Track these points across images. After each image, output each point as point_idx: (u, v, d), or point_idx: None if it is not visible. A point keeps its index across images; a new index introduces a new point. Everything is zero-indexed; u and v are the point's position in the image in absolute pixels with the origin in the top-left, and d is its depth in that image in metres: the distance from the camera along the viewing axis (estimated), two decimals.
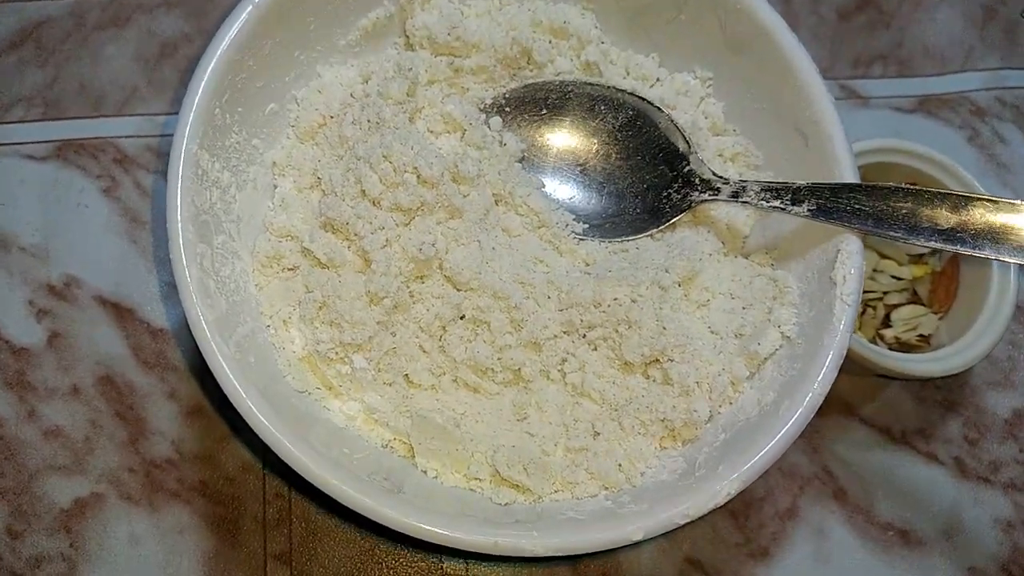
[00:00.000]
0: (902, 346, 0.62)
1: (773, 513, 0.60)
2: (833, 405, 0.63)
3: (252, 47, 0.50)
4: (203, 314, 0.44)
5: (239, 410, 0.44)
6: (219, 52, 0.48)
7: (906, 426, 0.63)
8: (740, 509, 0.60)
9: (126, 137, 0.65)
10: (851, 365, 0.60)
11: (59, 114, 0.65)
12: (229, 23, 0.49)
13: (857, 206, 0.48)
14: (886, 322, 0.62)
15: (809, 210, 0.49)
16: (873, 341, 0.62)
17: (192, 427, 0.60)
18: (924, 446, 0.62)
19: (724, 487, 0.44)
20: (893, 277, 0.63)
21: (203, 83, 0.47)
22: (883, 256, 0.63)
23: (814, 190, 0.49)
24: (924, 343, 0.62)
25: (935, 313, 0.62)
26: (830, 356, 0.46)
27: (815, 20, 0.74)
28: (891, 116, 0.71)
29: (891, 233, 0.47)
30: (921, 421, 0.63)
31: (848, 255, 0.48)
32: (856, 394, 0.63)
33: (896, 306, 0.62)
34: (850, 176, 0.50)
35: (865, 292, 0.62)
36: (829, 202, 0.49)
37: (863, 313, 0.62)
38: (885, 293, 0.63)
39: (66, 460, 0.59)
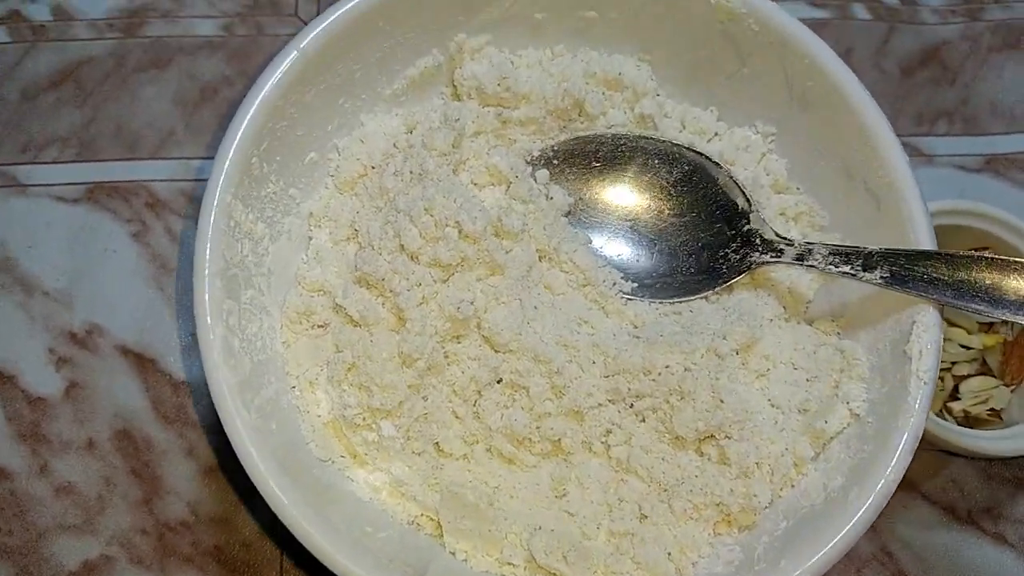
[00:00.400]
0: (971, 420, 0.57)
1: None
2: None
3: (295, 94, 0.48)
4: (225, 378, 0.41)
5: (255, 483, 0.40)
6: (260, 98, 0.46)
7: (972, 505, 0.59)
8: None
9: (159, 181, 0.63)
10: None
11: (93, 155, 0.64)
12: (272, 68, 0.46)
13: (935, 275, 0.44)
14: (954, 394, 0.58)
15: (882, 277, 0.45)
16: (940, 414, 0.57)
17: (209, 487, 0.57)
18: (992, 527, 0.58)
19: None
20: (962, 346, 0.59)
21: (241, 130, 0.45)
22: (951, 324, 0.59)
23: (888, 256, 0.45)
24: (995, 417, 0.58)
25: (1007, 385, 0.58)
26: (904, 439, 0.42)
27: (877, 75, 0.71)
28: (956, 175, 0.68)
29: (972, 306, 0.44)
30: (989, 500, 0.59)
31: (925, 328, 0.44)
32: (919, 469, 0.59)
33: (965, 377, 0.58)
34: (927, 242, 0.46)
35: None
36: (904, 270, 0.45)
37: None
38: (953, 363, 0.59)
39: (76, 519, 0.56)
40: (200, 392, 0.58)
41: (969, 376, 0.59)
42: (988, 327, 0.60)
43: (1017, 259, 0.44)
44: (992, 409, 0.58)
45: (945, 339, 0.59)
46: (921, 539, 0.57)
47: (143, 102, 0.65)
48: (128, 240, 0.62)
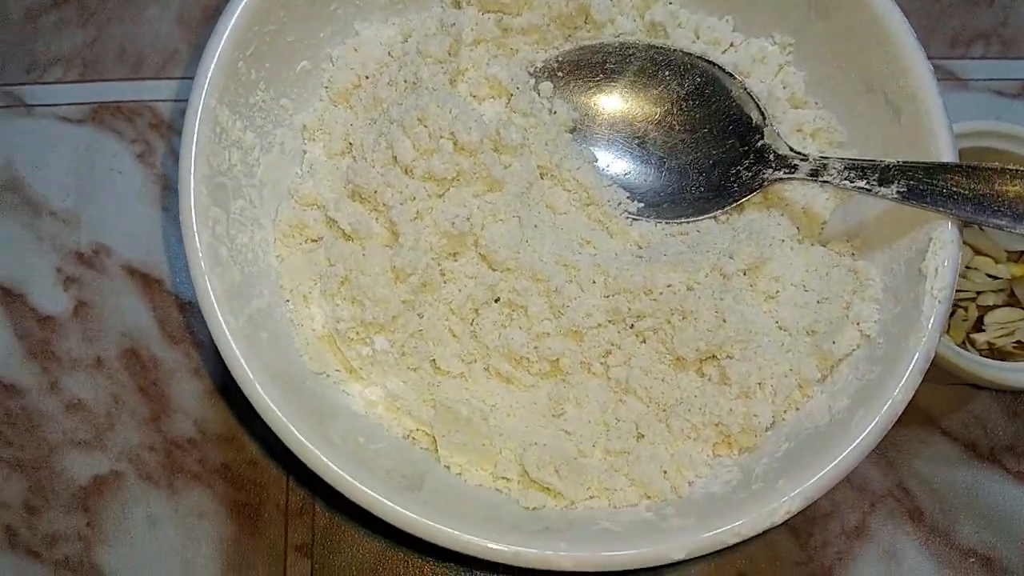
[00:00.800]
0: (995, 353, 0.55)
1: (839, 531, 0.55)
2: (913, 415, 0.57)
3: None
4: (211, 284, 0.41)
5: (243, 390, 0.40)
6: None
7: (996, 442, 0.57)
8: (802, 525, 0.55)
9: (163, 101, 0.62)
10: (936, 372, 0.53)
11: (97, 75, 0.63)
12: None
13: (955, 189, 0.42)
14: (978, 325, 0.56)
15: (899, 192, 0.43)
16: (962, 346, 0.55)
17: (216, 406, 0.57)
18: (1015, 465, 0.57)
19: (783, 504, 0.39)
20: (989, 276, 0.56)
21: (227, 32, 0.43)
22: (978, 252, 0.56)
23: (905, 169, 0.43)
24: (1021, 350, 0.55)
25: None
26: (915, 360, 0.40)
27: None
28: (992, 100, 0.65)
29: (995, 220, 0.41)
30: (1013, 437, 0.57)
31: (942, 244, 0.42)
32: (939, 404, 0.58)
33: (991, 308, 0.56)
34: (948, 155, 0.43)
35: (955, 291, 0.55)
36: (923, 183, 0.42)
37: (952, 314, 0.56)
38: (979, 293, 0.56)
39: (87, 435, 0.56)
40: None
41: (995, 307, 0.56)
42: (1018, 256, 0.57)
43: None
44: (1019, 342, 0.55)
45: (971, 268, 0.56)
46: (940, 476, 0.56)
47: (146, 21, 0.64)
48: (133, 161, 0.61)
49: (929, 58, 0.66)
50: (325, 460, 0.40)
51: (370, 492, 0.39)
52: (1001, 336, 0.55)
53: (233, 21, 0.44)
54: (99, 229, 0.60)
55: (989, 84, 0.65)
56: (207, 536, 0.54)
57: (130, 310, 0.58)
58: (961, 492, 0.56)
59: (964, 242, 0.55)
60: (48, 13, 0.64)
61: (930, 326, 0.41)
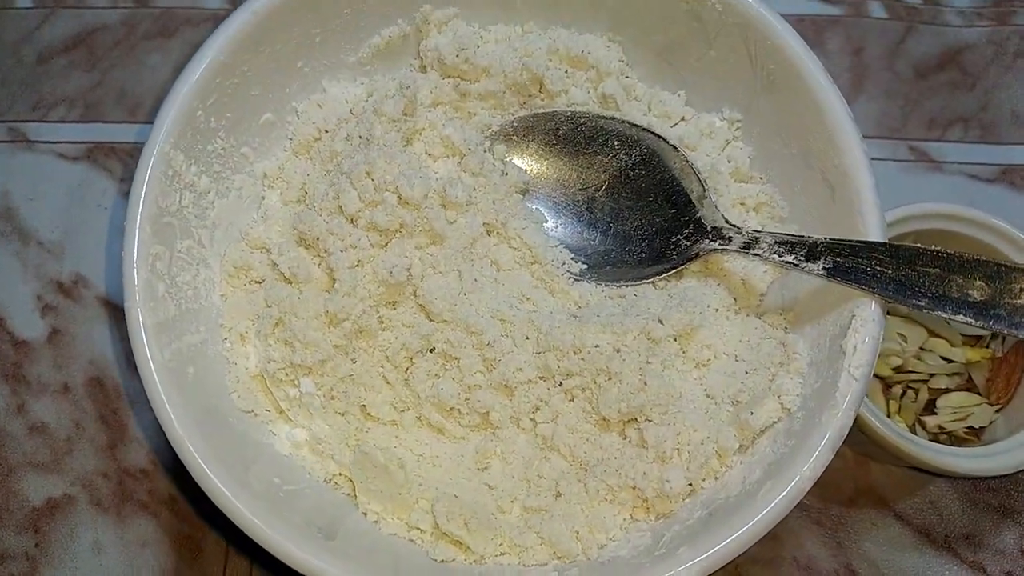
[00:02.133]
0: (947, 438, 0.54)
1: None
2: (866, 496, 0.57)
3: (247, 52, 0.49)
4: (142, 317, 0.42)
5: (160, 423, 0.41)
6: (208, 54, 0.47)
7: (951, 529, 0.56)
8: None
9: None
10: (884, 455, 0.53)
11: (96, 117, 0.67)
12: (224, 27, 0.48)
13: (878, 267, 0.42)
14: (930, 408, 0.55)
15: (825, 268, 0.43)
16: (912, 429, 0.54)
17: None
18: (970, 554, 0.55)
19: (680, 572, 0.38)
20: (943, 359, 0.55)
21: (187, 84, 0.46)
22: (932, 334, 0.56)
23: (832, 247, 0.43)
24: (972, 436, 0.54)
25: (992, 404, 0.54)
26: (826, 437, 0.40)
27: (889, 76, 0.68)
28: (967, 184, 0.65)
29: (914, 301, 0.41)
30: (969, 525, 0.56)
31: (863, 321, 0.42)
32: (895, 487, 0.57)
33: (944, 391, 0.55)
34: (876, 234, 0.44)
35: (908, 372, 0.55)
36: (848, 261, 0.43)
37: (903, 395, 0.55)
38: (931, 375, 0.55)
39: (45, 458, 0.58)
40: None
41: (948, 390, 0.55)
42: (975, 340, 0.56)
43: (964, 253, 0.41)
44: (971, 427, 0.54)
45: (926, 350, 0.56)
46: (890, 560, 0.55)
47: (148, 69, 0.68)
48: (119, 198, 0.64)
49: (903, 139, 0.67)
50: (236, 503, 0.41)
51: (280, 539, 0.40)
52: (954, 420, 0.55)
53: (196, 74, 0.47)
54: (81, 260, 0.63)
55: (963, 168, 0.65)
56: (148, 565, 0.55)
57: (100, 339, 0.61)
58: None
59: (918, 323, 0.56)
60: (59, 56, 0.69)
61: (845, 404, 0.41)
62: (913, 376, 0.55)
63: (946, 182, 0.65)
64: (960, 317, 0.40)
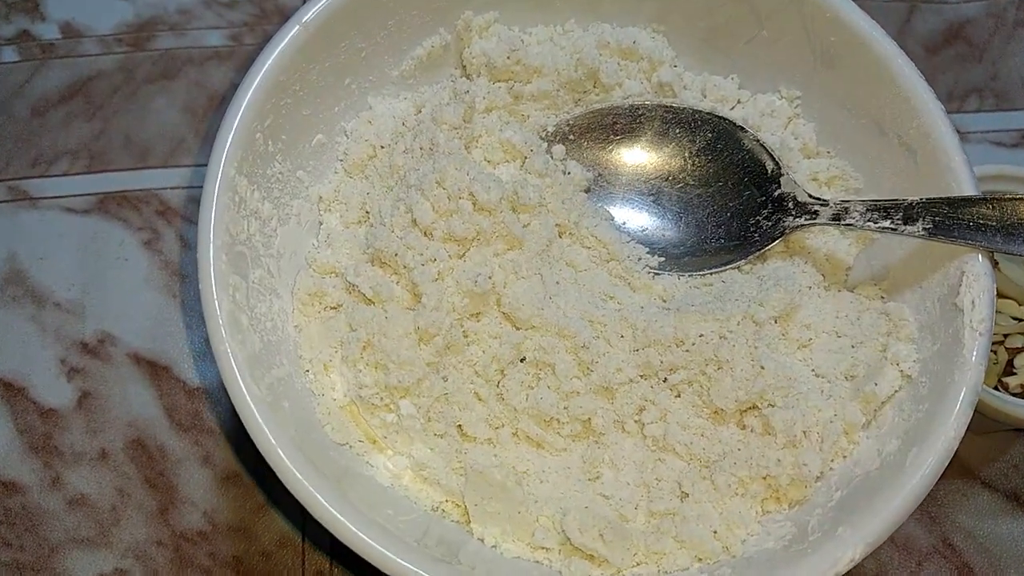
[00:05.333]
0: None
1: None
2: (950, 467, 0.54)
3: (298, 70, 0.46)
4: (232, 350, 0.39)
5: (267, 459, 0.38)
6: (263, 72, 0.44)
7: None
8: None
9: (170, 188, 0.62)
10: (972, 419, 0.52)
11: (103, 166, 0.63)
12: (274, 43, 0.45)
13: (982, 220, 0.41)
14: (1009, 369, 0.54)
15: (925, 229, 0.42)
16: (996, 390, 0.53)
17: (227, 495, 0.54)
18: None
19: (847, 552, 0.36)
20: (1013, 318, 0.55)
21: (244, 104, 0.43)
22: (1000, 295, 0.55)
23: (929, 206, 0.43)
24: None
25: None
26: (963, 393, 0.39)
27: None
28: (992, 151, 0.66)
29: None
30: None
31: (975, 276, 0.41)
32: (976, 454, 0.56)
33: (1020, 350, 0.55)
34: (969, 189, 0.43)
35: None
36: (948, 218, 0.42)
37: None
38: (1005, 336, 0.55)
39: (90, 532, 0.53)
40: (216, 398, 0.56)
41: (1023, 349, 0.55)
42: None
43: None
44: None
45: (995, 311, 0.56)
46: (985, 529, 0.54)
47: (153, 112, 0.65)
48: (139, 248, 0.60)
49: None
50: (356, 531, 0.37)
51: (407, 564, 0.36)
52: None
53: (250, 93, 0.44)
54: (104, 318, 0.58)
55: (986, 136, 0.66)
56: None
57: (136, 399, 0.56)
58: (1008, 545, 0.54)
59: None
60: (55, 108, 0.65)
61: (974, 358, 0.40)
62: None
63: (972, 151, 0.65)
64: None
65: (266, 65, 0.44)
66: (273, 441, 0.38)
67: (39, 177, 0.63)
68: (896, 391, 0.43)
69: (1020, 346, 0.55)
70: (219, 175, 0.42)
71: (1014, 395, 0.54)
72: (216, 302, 0.40)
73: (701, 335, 0.44)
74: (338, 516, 0.37)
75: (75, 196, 0.62)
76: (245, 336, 0.41)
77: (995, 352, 0.55)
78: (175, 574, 0.52)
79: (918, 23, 0.70)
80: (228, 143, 0.43)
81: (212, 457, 0.55)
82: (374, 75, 0.51)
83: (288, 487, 0.38)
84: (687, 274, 0.49)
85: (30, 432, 0.56)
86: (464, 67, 0.53)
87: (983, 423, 0.52)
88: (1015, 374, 0.54)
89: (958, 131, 0.65)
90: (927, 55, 0.69)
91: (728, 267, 0.48)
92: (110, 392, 0.57)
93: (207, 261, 0.40)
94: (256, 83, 0.44)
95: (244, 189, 0.43)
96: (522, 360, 0.45)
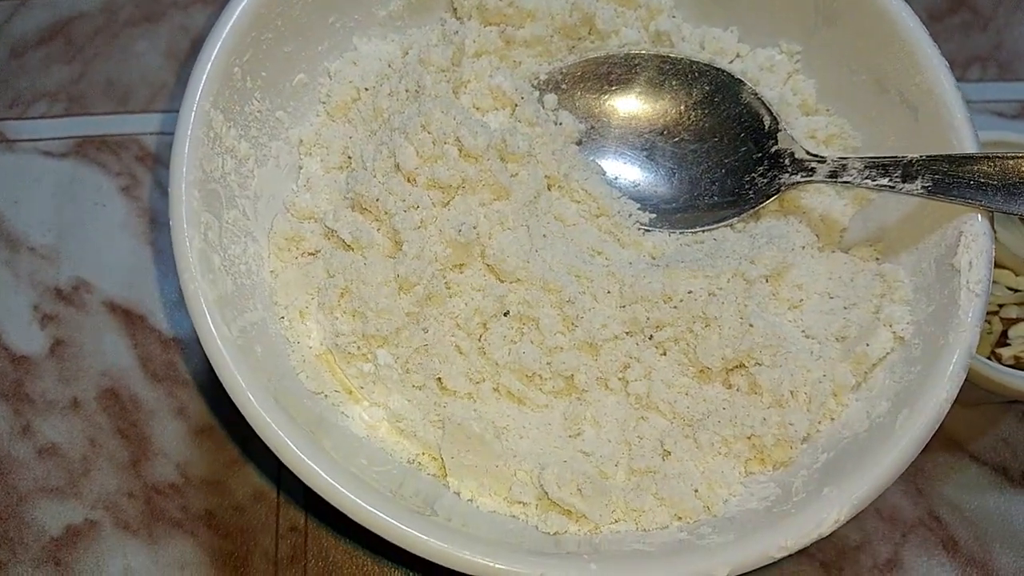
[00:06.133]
0: (1023, 368, 0.53)
1: (871, 564, 0.52)
2: (937, 439, 0.54)
3: (281, 4, 0.45)
4: (202, 289, 0.37)
5: (236, 402, 0.36)
6: (243, 4, 0.42)
7: None
8: (832, 559, 0.51)
9: (151, 134, 0.61)
10: (962, 390, 0.51)
11: (83, 110, 0.61)
12: None
13: (983, 179, 0.40)
14: (1002, 340, 0.53)
15: (924, 187, 0.41)
16: (989, 360, 0.52)
17: (200, 448, 0.53)
18: None
19: (831, 512, 0.35)
20: (1009, 288, 0.54)
21: (223, 36, 0.42)
22: (997, 265, 0.54)
23: (929, 163, 0.41)
24: None
25: None
26: (957, 354, 0.38)
27: None
28: (993, 121, 0.65)
29: None
30: None
31: (973, 236, 0.40)
32: (965, 427, 0.56)
33: (1015, 321, 0.54)
34: (971, 147, 0.42)
35: None
36: (948, 176, 0.41)
37: None
38: (1000, 306, 0.54)
39: (60, 482, 0.52)
40: (191, 349, 0.55)
41: (1019, 320, 0.54)
42: None
43: None
44: None
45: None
46: (971, 502, 0.54)
47: (134, 56, 0.63)
48: (117, 194, 0.59)
49: None
50: (329, 479, 0.36)
51: (383, 515, 0.35)
52: None
53: (230, 25, 0.42)
54: (80, 264, 0.57)
55: (988, 106, 0.65)
56: None
57: (110, 348, 0.55)
58: (995, 519, 0.53)
59: None
60: (35, 49, 0.63)
61: (970, 320, 0.39)
62: None
63: (974, 120, 0.65)
64: None
65: None
66: (243, 384, 0.36)
67: (16, 119, 0.61)
68: (888, 353, 0.41)
69: (1015, 317, 0.54)
70: (194, 107, 0.40)
71: (1008, 367, 0.53)
72: (187, 239, 0.38)
73: (690, 291, 0.42)
74: (310, 463, 0.36)
75: (53, 139, 0.60)
76: (216, 276, 0.39)
77: (989, 323, 0.54)
78: (146, 526, 0.51)
79: None
80: (205, 74, 0.41)
81: (186, 409, 0.54)
82: (360, 14, 0.49)
83: (258, 432, 0.37)
84: (678, 231, 0.47)
85: (1, 379, 0.54)
86: (455, 9, 0.51)
87: (974, 394, 0.51)
88: (1009, 345, 0.53)
89: None
90: (931, 21, 0.68)
91: (721, 224, 0.47)
92: (84, 340, 0.55)
93: (179, 196, 0.39)
94: (236, 14, 0.42)
95: (220, 125, 0.42)
96: (506, 314, 0.44)
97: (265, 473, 0.52)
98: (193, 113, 0.40)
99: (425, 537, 0.35)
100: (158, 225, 0.58)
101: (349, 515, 0.36)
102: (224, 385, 0.37)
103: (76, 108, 0.61)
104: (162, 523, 0.51)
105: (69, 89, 0.62)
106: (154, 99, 0.62)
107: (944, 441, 0.55)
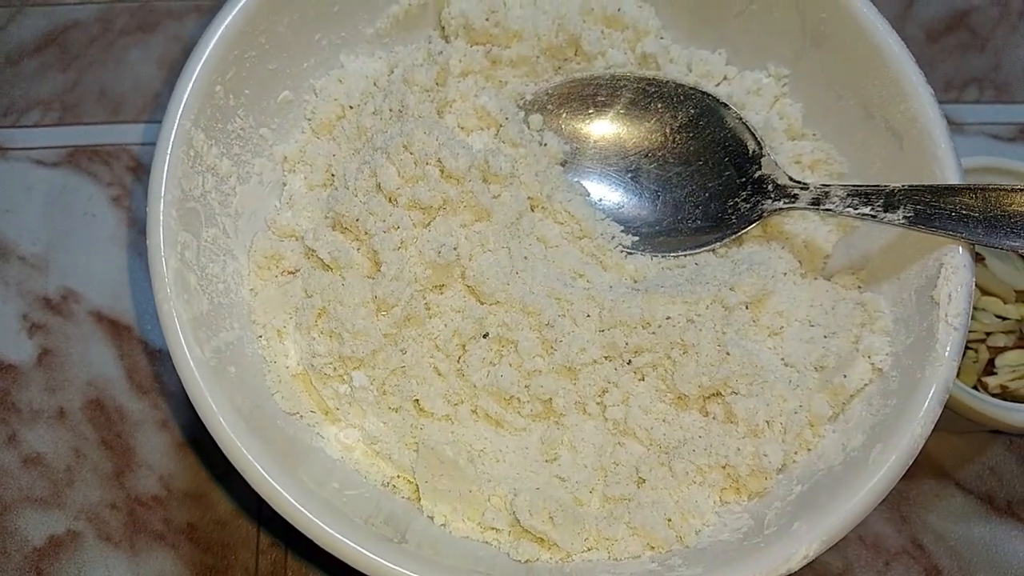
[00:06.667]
0: (1008, 397, 0.52)
1: None
2: (925, 467, 0.55)
3: (265, 21, 0.45)
4: (176, 311, 0.38)
5: (208, 427, 0.37)
6: (225, 23, 0.43)
7: (1013, 494, 0.55)
8: None
9: (142, 144, 0.61)
10: (948, 419, 0.51)
11: (76, 119, 0.61)
12: None
13: (964, 211, 0.40)
14: (989, 368, 0.53)
15: (906, 217, 0.41)
16: (975, 390, 0.52)
17: (184, 461, 0.53)
18: None
19: (801, 548, 0.35)
20: (997, 316, 0.54)
21: (205, 55, 0.42)
22: (985, 292, 0.54)
23: (911, 193, 0.41)
24: None
25: None
26: (933, 390, 0.38)
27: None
28: (988, 143, 0.65)
29: (1007, 242, 0.39)
30: None
31: (954, 269, 0.40)
32: (952, 455, 0.55)
33: (1002, 349, 0.53)
34: (954, 177, 0.42)
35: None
36: (930, 207, 0.40)
37: (963, 355, 0.53)
38: (988, 334, 0.53)
39: (44, 492, 0.52)
40: None
41: (1007, 348, 0.53)
42: None
43: None
44: None
45: (979, 309, 0.54)
46: (956, 531, 0.54)
47: (128, 65, 0.63)
48: (108, 204, 0.59)
49: None
50: (299, 507, 0.36)
51: (351, 543, 0.35)
52: (1014, 379, 0.53)
53: (212, 44, 0.42)
54: (69, 274, 0.57)
55: (984, 128, 0.65)
56: None
57: (97, 358, 0.55)
58: (979, 548, 0.53)
59: None
60: (30, 57, 0.63)
61: (947, 354, 0.38)
62: (971, 336, 0.53)
63: (968, 143, 0.65)
64: None
65: (231, 14, 0.43)
66: (214, 407, 0.36)
67: (10, 127, 0.61)
68: (866, 384, 0.41)
69: (1002, 345, 0.53)
70: (174, 127, 0.40)
71: (993, 395, 0.52)
72: (163, 259, 0.38)
73: (668, 317, 0.42)
74: (278, 488, 0.36)
75: (45, 148, 0.61)
76: (192, 296, 0.39)
77: (976, 351, 0.53)
78: (128, 539, 0.51)
79: (921, 8, 0.68)
80: (186, 94, 0.41)
81: (171, 422, 0.54)
82: (347, 31, 0.49)
83: (227, 455, 0.37)
84: (661, 255, 0.47)
85: None
86: (442, 28, 0.51)
87: (961, 422, 0.50)
88: (995, 374, 0.53)
89: (955, 122, 0.64)
90: (928, 42, 0.67)
91: (703, 249, 0.47)
92: (71, 350, 0.56)
93: (156, 215, 0.39)
94: (219, 32, 0.42)
95: (201, 143, 0.42)
96: (485, 336, 0.44)
97: (247, 488, 0.52)
98: (173, 133, 0.40)
99: (394, 566, 0.35)
100: (146, 236, 0.58)
101: (317, 542, 0.36)
102: (195, 407, 0.37)
103: (69, 117, 0.62)
104: (144, 535, 0.52)
105: (63, 98, 0.62)
106: (146, 109, 0.62)
107: (930, 469, 0.55)
